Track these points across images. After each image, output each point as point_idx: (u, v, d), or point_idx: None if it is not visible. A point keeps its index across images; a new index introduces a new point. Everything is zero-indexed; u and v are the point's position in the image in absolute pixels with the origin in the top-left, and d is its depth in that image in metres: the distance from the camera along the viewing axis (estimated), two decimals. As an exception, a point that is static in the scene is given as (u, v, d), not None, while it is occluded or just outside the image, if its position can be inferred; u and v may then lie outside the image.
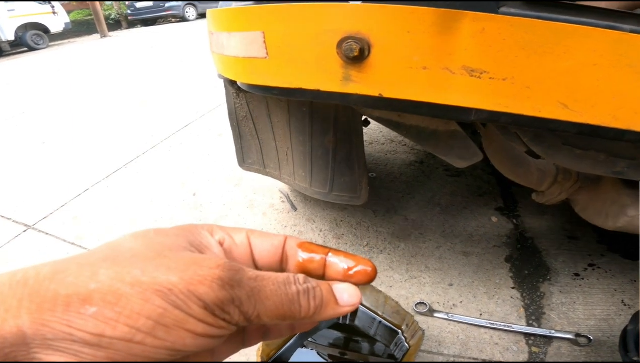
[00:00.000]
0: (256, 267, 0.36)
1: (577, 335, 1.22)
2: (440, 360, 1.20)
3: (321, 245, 0.37)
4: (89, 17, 16.06)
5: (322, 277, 0.36)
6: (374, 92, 0.74)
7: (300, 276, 0.32)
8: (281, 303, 0.30)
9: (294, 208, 2.00)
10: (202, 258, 0.28)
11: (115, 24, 16.61)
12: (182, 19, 15.31)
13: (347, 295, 0.33)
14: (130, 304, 0.24)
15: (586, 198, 1.17)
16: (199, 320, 0.26)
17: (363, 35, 0.69)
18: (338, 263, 0.36)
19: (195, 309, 0.26)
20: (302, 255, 0.36)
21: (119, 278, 0.25)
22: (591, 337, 1.20)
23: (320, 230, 1.81)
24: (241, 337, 0.36)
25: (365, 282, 0.35)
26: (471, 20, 0.64)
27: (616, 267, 1.49)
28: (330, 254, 0.36)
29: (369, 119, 1.83)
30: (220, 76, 1.18)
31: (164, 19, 16.18)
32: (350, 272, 0.35)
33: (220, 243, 0.34)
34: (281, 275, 0.31)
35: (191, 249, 0.31)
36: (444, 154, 1.02)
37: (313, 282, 0.32)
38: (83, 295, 0.23)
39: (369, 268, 0.35)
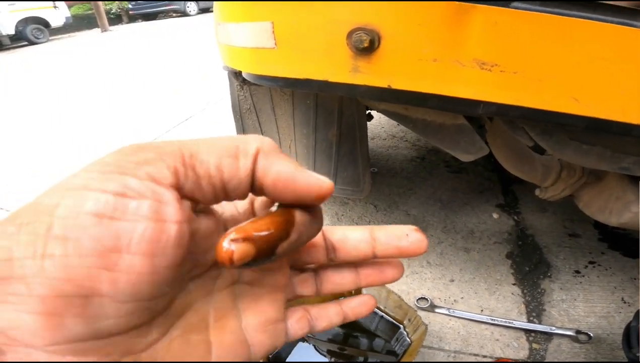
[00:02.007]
0: None
1: (578, 332, 1.22)
2: (441, 356, 1.21)
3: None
4: (89, 12, 15.99)
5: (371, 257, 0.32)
6: (382, 83, 0.74)
7: None
8: (218, 138, 0.24)
9: (296, 203, 1.99)
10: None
11: (116, 19, 16.55)
12: (184, 14, 15.26)
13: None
14: (27, 211, 0.20)
15: (590, 194, 1.18)
16: (102, 191, 0.20)
17: (373, 26, 0.69)
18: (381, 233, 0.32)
19: (97, 177, 0.20)
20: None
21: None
22: (591, 334, 1.20)
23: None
24: (283, 328, 0.31)
25: (421, 252, 0.31)
26: (483, 14, 0.64)
27: (617, 265, 1.50)
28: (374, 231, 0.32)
29: (372, 113, 1.83)
30: (225, 68, 1.17)
31: (165, 14, 16.14)
32: (404, 243, 0.31)
33: None
34: None
35: None
36: (450, 148, 1.02)
37: None
38: None
39: (420, 235, 0.31)
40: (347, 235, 0.33)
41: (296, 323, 0.32)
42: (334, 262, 0.33)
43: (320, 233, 0.32)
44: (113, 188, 0.20)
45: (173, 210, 0.21)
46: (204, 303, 0.27)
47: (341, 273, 0.34)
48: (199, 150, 0.23)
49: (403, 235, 0.30)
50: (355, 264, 0.34)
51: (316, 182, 0.25)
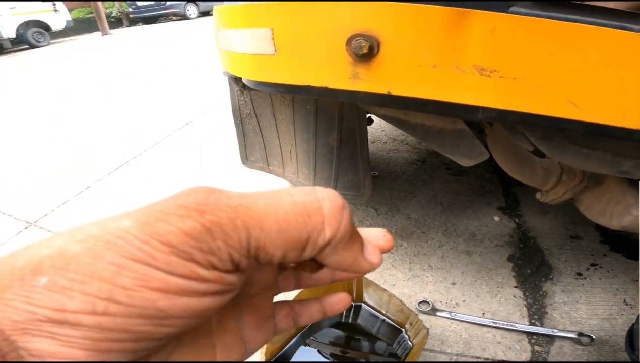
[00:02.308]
0: None
1: (580, 334, 1.22)
2: (443, 359, 1.21)
3: None
4: (90, 15, 16.02)
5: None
6: (382, 89, 0.74)
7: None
8: (288, 218, 0.22)
9: (297, 206, 1.99)
10: (167, 197, 0.22)
11: (116, 22, 16.58)
12: (184, 17, 15.28)
13: (372, 251, 0.28)
14: (81, 266, 0.19)
15: (591, 197, 1.18)
16: (167, 273, 0.20)
17: (373, 33, 0.69)
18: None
19: (160, 257, 0.20)
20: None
21: (71, 238, 0.20)
22: (593, 337, 1.20)
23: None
24: (272, 324, 0.33)
25: (385, 251, 0.31)
26: (482, 20, 0.64)
27: (619, 267, 1.50)
28: None
29: (373, 117, 1.83)
30: (226, 73, 1.18)
31: (166, 17, 16.15)
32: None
33: None
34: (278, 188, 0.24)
35: None
36: (450, 153, 1.03)
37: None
38: (35, 264, 0.20)
39: (389, 237, 0.32)
40: None
41: (283, 319, 0.34)
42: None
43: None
44: (181, 272, 0.20)
45: (231, 289, 0.23)
46: None
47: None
48: (267, 243, 0.22)
49: (381, 236, 0.31)
50: None
51: (369, 267, 0.27)
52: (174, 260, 0.20)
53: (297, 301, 0.36)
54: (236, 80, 1.31)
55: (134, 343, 0.20)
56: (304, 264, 0.29)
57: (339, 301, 0.36)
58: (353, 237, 0.26)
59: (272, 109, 1.32)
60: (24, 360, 0.19)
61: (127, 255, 0.20)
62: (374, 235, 0.31)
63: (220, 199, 0.22)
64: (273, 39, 0.78)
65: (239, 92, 1.38)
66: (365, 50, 0.69)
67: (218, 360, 0.28)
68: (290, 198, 0.23)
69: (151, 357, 0.24)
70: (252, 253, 0.22)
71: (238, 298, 0.30)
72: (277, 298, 0.36)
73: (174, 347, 0.25)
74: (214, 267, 0.21)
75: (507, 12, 0.63)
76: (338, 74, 0.75)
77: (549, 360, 1.18)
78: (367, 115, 1.58)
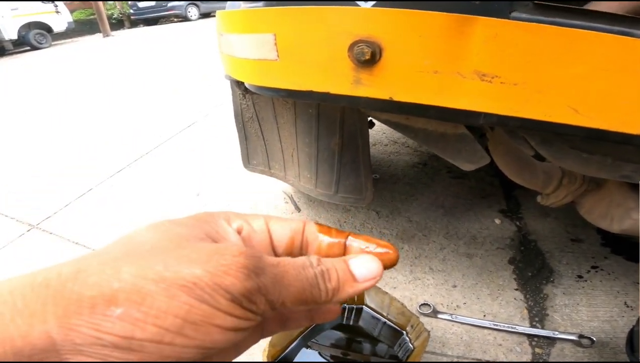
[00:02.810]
0: (275, 254, 0.35)
1: (581, 336, 1.22)
2: (444, 361, 1.21)
3: (341, 230, 0.36)
4: (92, 17, 16.04)
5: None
6: (384, 95, 0.74)
7: (314, 258, 0.31)
8: (303, 288, 0.29)
9: (298, 209, 2.00)
10: (224, 248, 0.27)
11: (117, 24, 16.60)
12: (185, 18, 15.30)
13: (365, 270, 0.32)
14: (156, 303, 0.23)
15: (591, 201, 1.18)
16: (226, 314, 0.25)
17: (375, 39, 0.70)
18: (359, 246, 0.35)
19: (223, 302, 0.24)
20: (323, 239, 0.36)
21: (142, 275, 0.24)
22: (594, 339, 1.21)
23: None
24: (261, 328, 0.36)
25: (387, 267, 0.34)
26: (483, 26, 0.65)
27: (619, 270, 1.50)
28: (350, 237, 0.35)
29: (374, 121, 1.84)
30: (228, 77, 1.18)
31: (167, 19, 16.17)
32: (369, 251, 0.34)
33: (239, 231, 0.34)
34: (299, 259, 0.30)
35: (208, 239, 0.30)
36: (451, 157, 1.03)
37: (327, 262, 0.31)
38: (108, 296, 0.22)
39: (390, 251, 0.35)
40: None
41: (271, 323, 0.36)
42: None
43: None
44: (236, 314, 0.26)
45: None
46: None
47: None
48: (288, 302, 0.29)
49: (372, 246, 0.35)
50: None
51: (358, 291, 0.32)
52: (234, 306, 0.25)
53: None
54: (238, 84, 1.32)
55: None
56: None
57: (327, 311, 0.39)
58: (344, 282, 0.32)
59: (274, 113, 1.33)
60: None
61: (198, 298, 0.24)
62: (358, 263, 0.34)
63: (267, 266, 0.27)
64: (276, 44, 0.79)
65: (241, 96, 1.39)
66: (368, 56, 0.70)
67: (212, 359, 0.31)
68: (304, 272, 0.30)
69: None
70: (276, 307, 0.28)
71: None
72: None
73: None
74: (252, 312, 0.26)
75: (508, 18, 0.64)
76: (340, 80, 0.75)
77: (549, 362, 1.19)
78: (369, 119, 1.59)
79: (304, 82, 0.80)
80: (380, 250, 0.35)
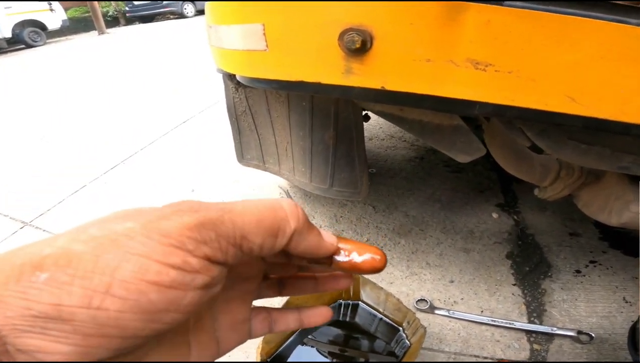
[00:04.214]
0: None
1: (579, 332, 1.21)
2: (441, 357, 1.19)
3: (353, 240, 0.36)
4: (86, 14, 15.98)
5: (329, 264, 0.35)
6: (376, 85, 0.72)
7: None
8: (262, 213, 0.27)
9: (294, 204, 1.98)
10: (165, 206, 0.26)
11: (113, 21, 16.56)
12: (181, 15, 15.26)
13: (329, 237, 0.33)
14: (82, 263, 0.21)
15: (589, 194, 1.16)
16: (163, 264, 0.22)
17: (365, 27, 0.68)
18: (346, 250, 0.34)
19: (159, 249, 0.22)
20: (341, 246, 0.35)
21: (74, 238, 0.22)
22: (593, 335, 1.19)
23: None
24: (247, 327, 0.35)
25: (374, 271, 0.34)
26: (476, 12, 0.63)
27: (618, 264, 1.49)
28: (339, 242, 0.34)
29: (369, 114, 1.82)
30: (219, 71, 1.16)
31: (162, 16, 16.11)
32: (359, 261, 0.34)
33: None
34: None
35: None
36: (447, 149, 1.01)
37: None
38: (35, 262, 0.21)
39: (377, 257, 0.34)
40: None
41: (259, 324, 0.36)
42: (303, 275, 0.40)
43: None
44: (174, 263, 0.23)
45: (218, 284, 0.26)
46: None
47: (303, 281, 0.40)
48: (249, 232, 0.27)
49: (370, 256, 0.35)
50: (314, 276, 0.40)
51: (330, 247, 0.33)
52: (171, 251, 0.23)
53: (275, 308, 0.38)
54: (230, 78, 1.30)
55: (121, 339, 0.22)
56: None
57: (318, 315, 0.39)
58: (311, 228, 0.31)
59: (268, 106, 1.31)
60: (11, 355, 0.20)
61: (130, 250, 0.22)
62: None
63: (208, 204, 0.26)
64: (264, 34, 0.77)
65: (233, 90, 1.37)
66: (358, 45, 0.68)
67: (192, 357, 0.30)
68: (259, 202, 0.29)
69: (129, 354, 0.25)
70: (238, 242, 0.26)
71: (216, 299, 0.33)
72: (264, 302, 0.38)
73: (153, 344, 0.27)
74: (205, 256, 0.24)
75: (501, 4, 0.62)
76: (331, 69, 0.74)
77: (548, 359, 1.17)
78: (364, 112, 1.57)
79: (295, 73, 0.78)
80: (367, 257, 0.34)
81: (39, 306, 0.20)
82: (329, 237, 0.33)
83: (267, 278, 0.39)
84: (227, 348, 0.33)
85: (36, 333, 0.20)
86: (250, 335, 0.36)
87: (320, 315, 0.38)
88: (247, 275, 0.35)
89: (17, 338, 0.20)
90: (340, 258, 0.34)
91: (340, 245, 0.34)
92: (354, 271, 0.34)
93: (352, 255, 0.34)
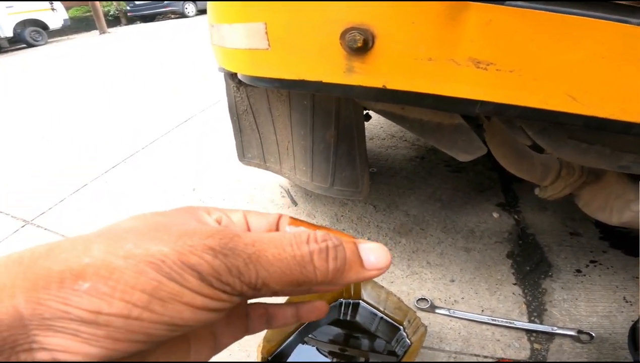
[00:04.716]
0: None
1: (579, 332, 1.21)
2: (442, 357, 1.20)
3: (312, 223, 0.35)
4: (88, 14, 16.01)
5: None
6: (377, 83, 0.72)
7: (319, 233, 0.29)
8: (289, 267, 0.27)
9: (295, 203, 1.99)
10: (195, 228, 0.27)
11: (114, 21, 16.56)
12: (182, 15, 15.27)
13: (374, 258, 0.31)
14: (124, 278, 0.23)
15: (590, 193, 1.17)
16: (195, 293, 0.24)
17: (367, 26, 0.68)
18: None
19: (191, 280, 0.24)
20: (290, 231, 0.35)
21: (112, 252, 0.23)
22: (593, 334, 1.19)
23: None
24: (245, 323, 0.36)
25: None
26: (478, 12, 0.63)
27: (618, 264, 1.49)
28: (317, 231, 0.33)
29: (370, 114, 1.82)
30: (221, 70, 1.16)
31: (164, 15, 16.11)
32: None
33: (218, 222, 0.33)
34: (288, 236, 0.28)
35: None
36: (447, 148, 1.01)
37: (335, 239, 0.29)
38: (76, 271, 0.22)
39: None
40: None
41: (257, 319, 0.36)
42: None
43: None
44: (204, 293, 0.25)
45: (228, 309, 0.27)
46: None
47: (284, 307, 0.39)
48: (271, 281, 0.27)
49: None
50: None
51: (375, 274, 0.31)
52: (201, 285, 0.24)
53: (272, 304, 0.38)
54: (232, 77, 1.30)
55: (144, 344, 0.24)
56: None
57: (314, 309, 0.39)
58: (350, 264, 0.30)
59: (269, 105, 1.31)
60: (33, 353, 0.21)
61: (166, 275, 0.24)
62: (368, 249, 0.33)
63: (238, 246, 0.26)
64: (266, 33, 0.77)
65: (234, 89, 1.37)
66: (360, 44, 0.68)
67: (192, 352, 0.31)
68: (291, 249, 0.28)
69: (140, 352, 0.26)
70: (259, 287, 0.27)
71: None
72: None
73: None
74: (226, 293, 0.26)
75: (503, 4, 0.62)
76: (332, 68, 0.74)
77: (548, 358, 1.17)
78: (365, 112, 1.57)
79: (296, 71, 0.78)
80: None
81: (78, 312, 0.22)
82: (374, 261, 0.31)
83: None
84: (225, 343, 0.34)
85: (68, 334, 0.22)
86: (248, 331, 0.36)
87: (317, 309, 0.39)
88: None
89: (47, 337, 0.21)
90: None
91: (319, 233, 0.34)
92: None
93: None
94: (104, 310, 0.22)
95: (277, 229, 0.35)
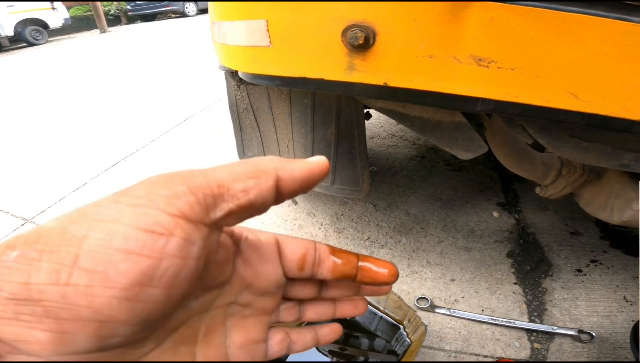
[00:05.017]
0: (285, 270, 0.34)
1: (580, 331, 1.21)
2: (441, 356, 1.20)
3: (350, 252, 0.36)
4: (88, 13, 16.01)
5: (354, 280, 0.35)
6: (379, 81, 0.72)
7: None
8: (238, 166, 0.26)
9: (295, 202, 1.98)
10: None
11: (115, 20, 16.54)
12: (182, 14, 15.27)
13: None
14: (51, 238, 0.20)
15: (591, 192, 1.16)
16: (131, 227, 0.21)
17: (368, 23, 0.68)
18: (370, 267, 0.35)
19: (127, 212, 0.21)
20: (336, 262, 0.34)
21: (50, 220, 0.21)
22: (594, 334, 1.19)
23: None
24: (263, 348, 0.34)
25: (389, 284, 0.35)
26: (479, 9, 0.63)
27: (618, 264, 1.49)
28: (360, 261, 0.35)
29: (371, 112, 1.82)
30: (222, 67, 1.16)
31: (164, 15, 16.13)
32: (380, 272, 0.35)
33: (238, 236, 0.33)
34: None
35: None
36: (448, 146, 1.01)
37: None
38: (8, 242, 0.20)
39: (386, 271, 0.35)
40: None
41: (276, 345, 0.35)
42: (321, 297, 0.38)
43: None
44: (144, 225, 0.21)
45: (197, 249, 0.23)
46: (198, 319, 0.30)
47: (324, 305, 0.39)
48: (225, 179, 0.25)
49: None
50: (334, 299, 0.39)
51: (319, 168, 0.29)
52: (141, 211, 0.21)
53: (293, 328, 0.37)
54: (233, 75, 1.30)
55: (96, 323, 0.20)
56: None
57: (331, 332, 0.39)
58: (297, 163, 0.29)
59: (269, 103, 1.31)
60: None
61: (97, 217, 0.21)
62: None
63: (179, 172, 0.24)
64: (268, 30, 0.77)
65: (235, 87, 1.37)
66: (361, 41, 0.68)
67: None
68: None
69: (128, 356, 0.24)
70: (215, 191, 0.24)
71: (230, 315, 0.32)
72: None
73: (151, 348, 0.26)
74: (180, 213, 0.22)
75: (505, 1, 0.62)
76: (333, 65, 0.74)
77: (548, 358, 1.17)
78: (365, 110, 1.57)
79: (298, 69, 0.78)
80: (384, 271, 0.35)
81: (9, 286, 0.19)
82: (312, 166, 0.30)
83: (287, 300, 0.38)
84: None
85: (9, 318, 0.19)
86: (266, 357, 0.34)
87: (333, 331, 0.39)
88: (264, 291, 0.34)
89: None
90: (364, 271, 0.35)
91: (363, 263, 0.35)
92: (374, 283, 0.35)
93: (374, 268, 0.35)
94: (33, 280, 0.19)
95: (315, 253, 0.35)
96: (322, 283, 0.38)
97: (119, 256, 0.20)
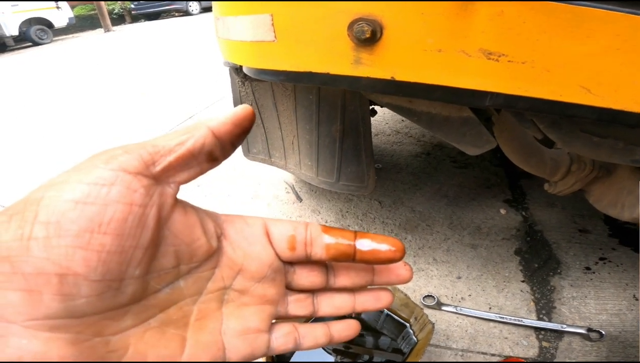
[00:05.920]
0: (277, 252, 0.33)
1: (589, 330, 1.19)
2: (448, 354, 1.18)
3: (345, 229, 0.34)
4: (92, 12, 16.06)
5: (353, 259, 0.33)
6: (385, 75, 0.71)
7: None
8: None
9: (299, 199, 1.98)
10: None
11: (119, 19, 16.59)
12: (186, 13, 15.32)
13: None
14: (18, 204, 0.23)
15: (601, 188, 1.15)
16: (79, 182, 0.23)
17: (375, 17, 0.67)
18: (367, 244, 0.33)
19: (74, 172, 0.24)
20: (329, 239, 0.33)
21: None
22: (603, 332, 1.18)
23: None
24: (263, 340, 0.32)
25: (395, 260, 0.33)
26: (489, 3, 0.61)
27: (628, 261, 1.47)
28: (358, 239, 0.33)
29: (376, 109, 1.81)
30: (226, 64, 1.16)
31: (168, 13, 16.17)
32: (381, 249, 0.32)
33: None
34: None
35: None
36: (456, 141, 1.00)
37: None
38: None
39: (393, 248, 0.33)
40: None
41: (282, 338, 0.33)
42: (332, 287, 0.36)
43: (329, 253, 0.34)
44: (88, 180, 0.23)
45: (139, 195, 0.24)
46: (190, 302, 0.29)
47: (340, 297, 0.36)
48: (158, 141, 0.27)
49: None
50: (352, 290, 0.37)
51: (239, 106, 0.31)
52: (87, 170, 0.24)
53: (302, 323, 0.35)
54: (237, 71, 1.29)
55: (58, 277, 0.21)
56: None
57: (347, 328, 0.36)
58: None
59: (274, 100, 1.30)
60: None
61: (53, 180, 0.23)
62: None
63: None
64: (273, 24, 0.76)
65: (240, 83, 1.36)
66: (368, 35, 0.67)
67: (185, 355, 0.28)
68: None
69: (105, 329, 0.24)
70: (150, 150, 0.26)
71: (225, 301, 0.32)
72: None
73: (132, 324, 0.26)
74: (119, 167, 0.24)
75: (515, -6, 0.61)
76: (340, 60, 0.72)
77: (557, 356, 1.16)
78: (370, 107, 1.56)
79: (303, 63, 0.77)
80: (385, 247, 0.33)
81: None
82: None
83: (295, 292, 0.36)
84: (235, 356, 0.31)
85: None
86: (270, 350, 0.33)
87: (350, 327, 0.36)
88: (260, 275, 0.32)
89: None
90: (362, 246, 0.33)
91: (361, 241, 0.33)
92: (376, 261, 0.33)
93: (373, 244, 0.33)
94: (2, 238, 0.21)
95: (305, 233, 0.33)
96: (328, 270, 0.36)
97: (67, 205, 0.22)
